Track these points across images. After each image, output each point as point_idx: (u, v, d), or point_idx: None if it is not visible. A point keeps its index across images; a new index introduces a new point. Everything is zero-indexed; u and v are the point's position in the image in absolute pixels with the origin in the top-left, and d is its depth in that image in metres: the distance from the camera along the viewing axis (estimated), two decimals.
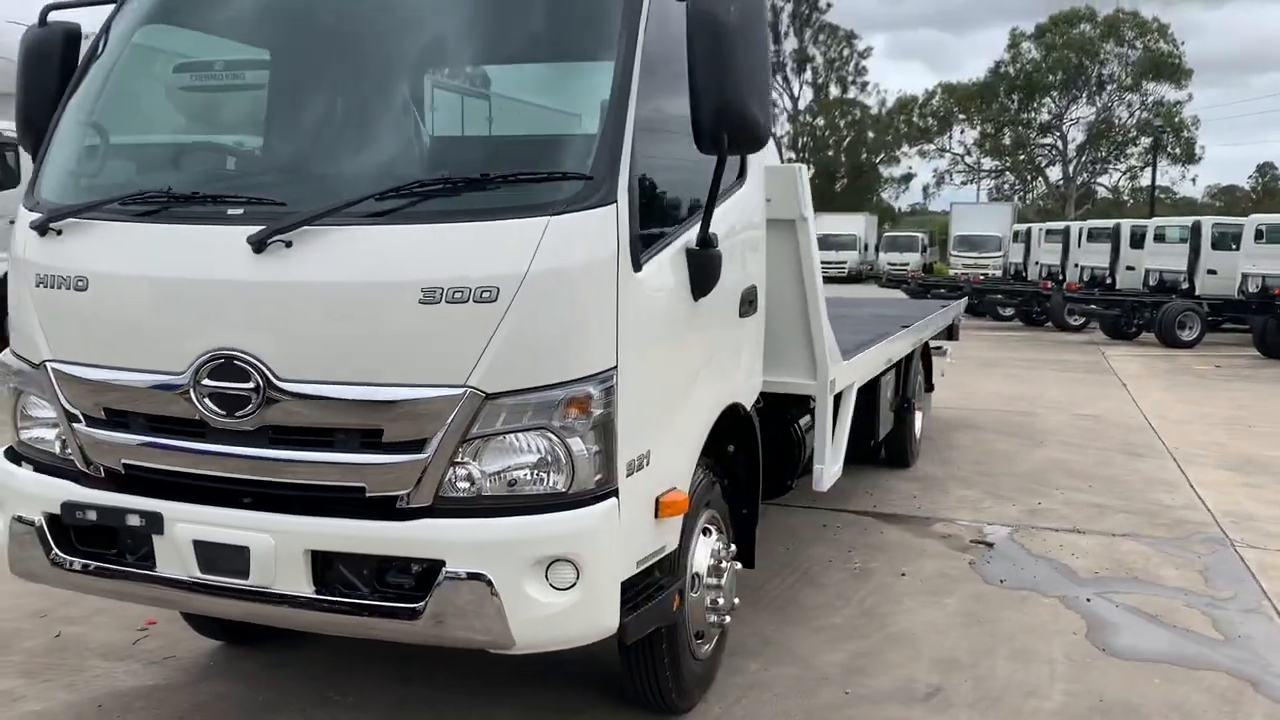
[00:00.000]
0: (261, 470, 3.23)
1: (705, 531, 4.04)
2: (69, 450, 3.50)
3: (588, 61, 3.34)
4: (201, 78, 3.84)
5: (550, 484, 3.08)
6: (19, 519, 3.50)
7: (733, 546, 4.21)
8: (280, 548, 3.17)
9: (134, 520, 3.35)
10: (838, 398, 5.24)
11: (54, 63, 3.91)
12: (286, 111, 3.66)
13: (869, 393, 6.84)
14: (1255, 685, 4.41)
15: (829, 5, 75.13)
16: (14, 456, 3.69)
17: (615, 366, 3.12)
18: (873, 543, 6.42)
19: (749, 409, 4.35)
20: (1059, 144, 62.38)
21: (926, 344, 8.82)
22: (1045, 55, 59.67)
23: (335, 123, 3.48)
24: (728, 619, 4.13)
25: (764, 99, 3.23)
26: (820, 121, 77.21)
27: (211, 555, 3.26)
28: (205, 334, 3.23)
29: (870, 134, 75.87)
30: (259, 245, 3.12)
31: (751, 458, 4.47)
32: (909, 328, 7.26)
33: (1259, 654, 4.75)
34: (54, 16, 4.01)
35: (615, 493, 3.16)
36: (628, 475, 3.22)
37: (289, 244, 3.12)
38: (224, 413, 3.22)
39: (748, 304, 4.22)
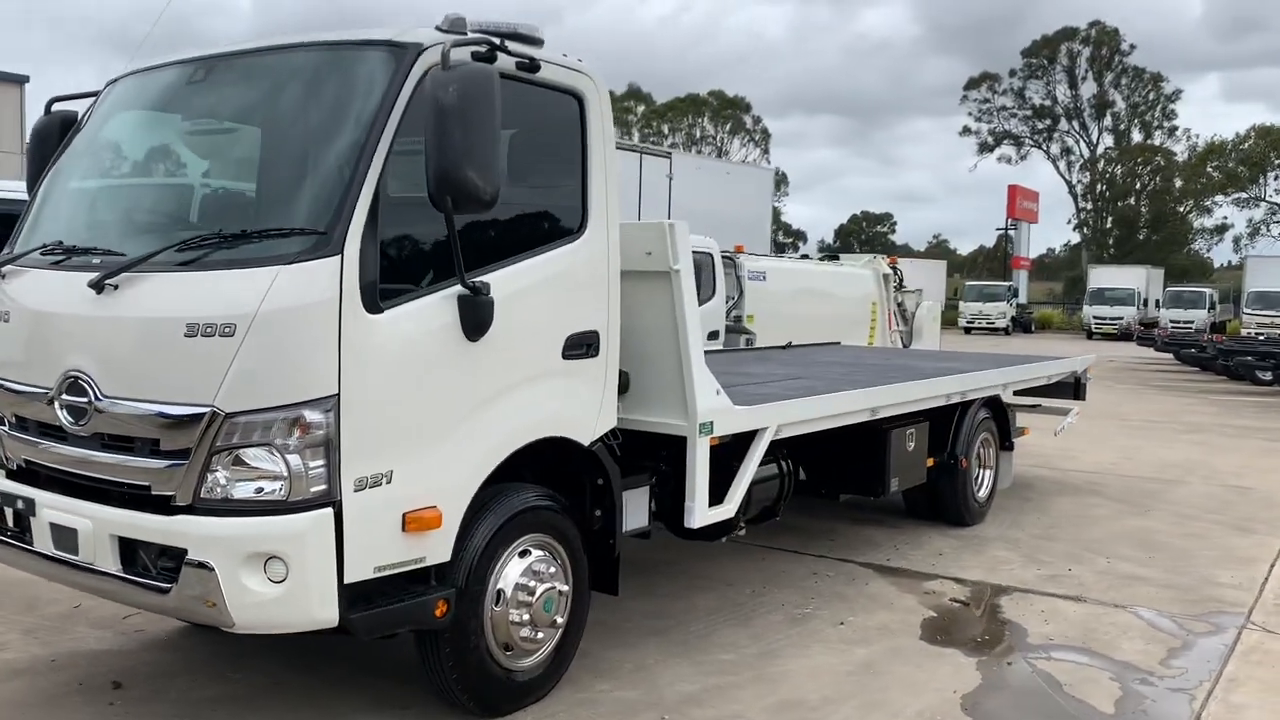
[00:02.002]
0: (94, 468, 4.00)
1: (524, 553, 4.43)
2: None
3: (348, 136, 3.87)
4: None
5: (275, 492, 3.64)
6: None
7: (562, 570, 4.58)
8: (96, 531, 3.92)
9: (20, 505, 4.22)
10: (743, 441, 5.44)
11: (53, 143, 4.94)
12: (136, 176, 4.53)
13: (868, 443, 6.91)
14: None
15: (1132, 48, 71.14)
16: None
17: (336, 394, 3.65)
18: (846, 592, 6.44)
19: (592, 444, 4.70)
20: None
21: (998, 401, 8.56)
22: None
23: (162, 188, 4.28)
24: (540, 635, 4.48)
25: (484, 168, 3.68)
26: (1119, 169, 72.83)
27: (59, 535, 4.06)
28: (65, 357, 4.05)
29: (1178, 181, 70.70)
30: (96, 287, 3.93)
31: (609, 491, 4.82)
32: (911, 382, 7.17)
33: None
34: (57, 106, 5.07)
35: (336, 504, 3.67)
36: (356, 490, 3.72)
37: (116, 286, 3.90)
38: (73, 420, 4.02)
39: (583, 347, 4.59)
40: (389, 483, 3.83)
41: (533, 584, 4.42)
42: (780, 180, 79.56)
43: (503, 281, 4.18)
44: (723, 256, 11.98)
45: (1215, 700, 4.87)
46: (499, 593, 4.33)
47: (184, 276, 3.80)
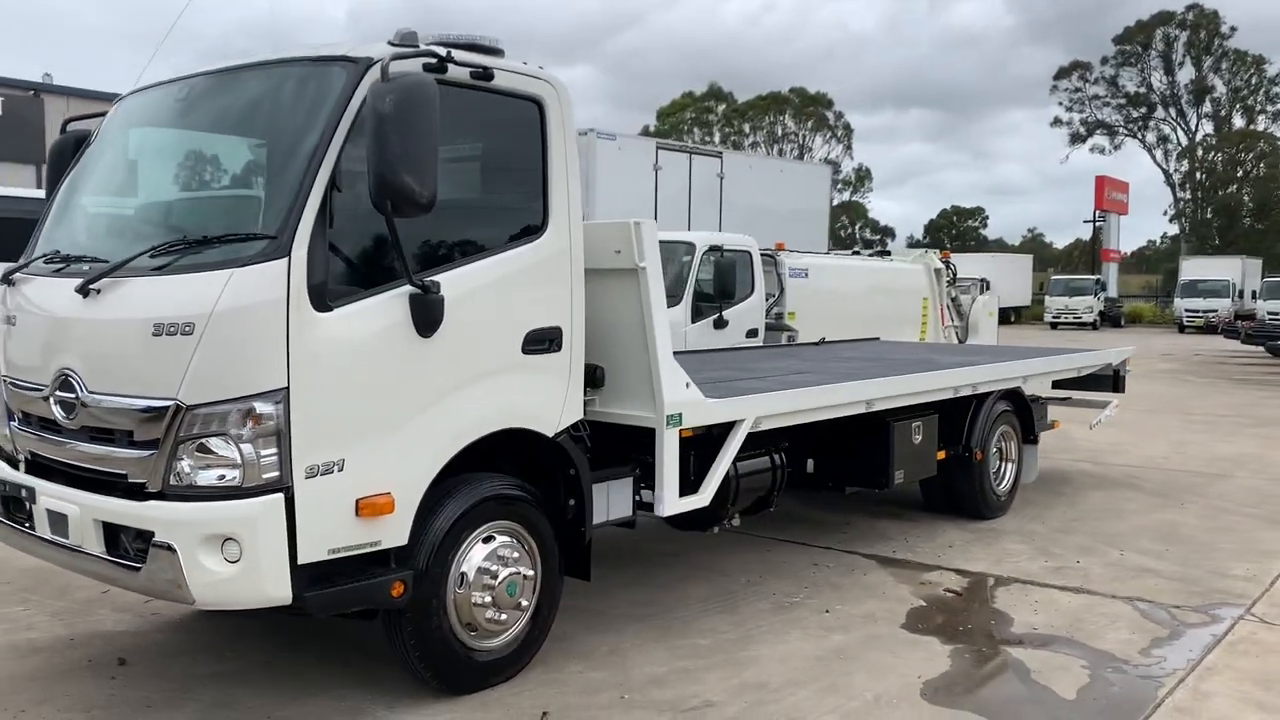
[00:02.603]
0: (82, 458, 4.34)
1: (488, 538, 4.65)
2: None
3: (302, 146, 4.12)
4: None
5: (231, 478, 3.92)
6: None
7: (528, 555, 4.79)
8: (82, 516, 4.26)
9: (23, 493, 4.59)
10: (718, 433, 5.58)
11: (66, 159, 5.33)
12: (125, 187, 4.90)
13: (871, 436, 6.98)
14: None
15: (1233, 30, 68.68)
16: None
17: (286, 387, 3.91)
18: (840, 582, 6.53)
19: (557, 435, 4.89)
20: None
21: (1019, 393, 8.51)
22: None
23: (147, 198, 4.65)
24: (504, 617, 4.69)
25: (421, 174, 3.90)
26: (1219, 156, 70.40)
27: (54, 521, 4.41)
28: (59, 356, 4.41)
29: None
30: (82, 291, 4.27)
31: (576, 481, 5.02)
32: (908, 375, 7.20)
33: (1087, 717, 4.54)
34: (72, 126, 5.47)
35: (288, 490, 3.93)
36: (308, 477, 3.98)
37: (99, 291, 4.24)
38: (64, 415, 4.38)
39: (545, 342, 4.79)
40: (341, 470, 4.07)
41: (496, 568, 4.63)
42: (864, 176, 78.88)
43: (461, 280, 4.42)
44: (762, 254, 12.05)
45: (1185, 688, 4.85)
46: (462, 575, 4.55)
47: (154, 280, 4.11)
